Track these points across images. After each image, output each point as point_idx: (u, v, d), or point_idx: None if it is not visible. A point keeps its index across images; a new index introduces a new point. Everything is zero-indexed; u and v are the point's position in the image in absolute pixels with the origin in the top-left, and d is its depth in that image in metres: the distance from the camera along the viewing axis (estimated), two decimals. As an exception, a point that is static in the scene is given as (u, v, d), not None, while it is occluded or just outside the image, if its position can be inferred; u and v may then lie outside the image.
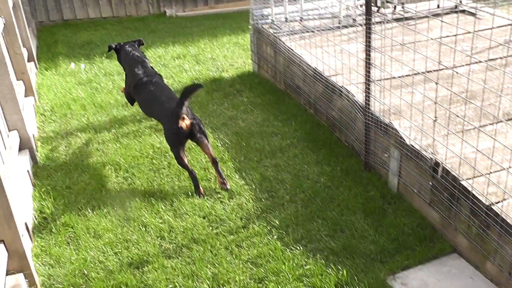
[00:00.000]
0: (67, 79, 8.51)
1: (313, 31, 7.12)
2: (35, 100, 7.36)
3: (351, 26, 7.09)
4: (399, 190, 4.90)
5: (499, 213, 3.72)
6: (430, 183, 4.36)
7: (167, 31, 11.35)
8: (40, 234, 4.73)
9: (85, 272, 4.25)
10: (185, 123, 5.10)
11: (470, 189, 3.99)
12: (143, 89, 5.75)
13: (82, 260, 4.37)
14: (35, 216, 4.94)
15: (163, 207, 4.97)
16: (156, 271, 4.21)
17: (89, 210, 4.99)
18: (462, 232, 4.12)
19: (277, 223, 4.67)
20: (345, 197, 4.94)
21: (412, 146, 4.57)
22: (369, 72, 5.00)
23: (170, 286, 4.07)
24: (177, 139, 5.22)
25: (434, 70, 5.53)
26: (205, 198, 5.08)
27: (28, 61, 7.99)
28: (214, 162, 5.29)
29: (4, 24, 6.38)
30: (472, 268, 4.09)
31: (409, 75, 5.66)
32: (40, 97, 7.77)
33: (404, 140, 4.67)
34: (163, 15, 12.72)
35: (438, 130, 4.69)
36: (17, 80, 6.54)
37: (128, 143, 6.19)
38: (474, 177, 4.11)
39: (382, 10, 8.11)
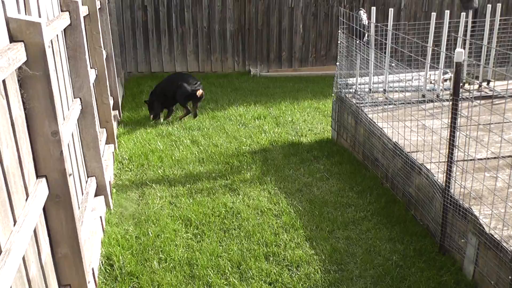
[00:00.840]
0: (148, 130, 8.72)
1: (395, 104, 7.05)
2: (115, 148, 7.54)
3: (435, 101, 6.97)
4: (475, 278, 4.67)
5: None
6: (510, 277, 4.13)
7: (250, 90, 11.54)
8: (104, 281, 4.75)
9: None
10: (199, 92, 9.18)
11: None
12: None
13: (143, 314, 4.37)
14: (102, 262, 4.98)
15: (230, 269, 4.92)
16: (216, 335, 4.15)
17: (156, 263, 5.00)
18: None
19: (344, 298, 4.54)
20: (417, 279, 4.74)
21: (492, 235, 4.36)
22: (452, 153, 4.86)
23: None
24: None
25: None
26: (273, 264, 5.00)
27: (113, 109, 8.23)
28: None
29: (96, 75, 6.62)
30: None
31: (493, 158, 5.49)
32: (120, 145, 7.97)
33: (484, 228, 4.46)
34: (247, 74, 12.95)
35: (521, 220, 4.49)
36: (101, 128, 6.72)
37: (201, 199, 6.22)
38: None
39: (466, 86, 7.97)
